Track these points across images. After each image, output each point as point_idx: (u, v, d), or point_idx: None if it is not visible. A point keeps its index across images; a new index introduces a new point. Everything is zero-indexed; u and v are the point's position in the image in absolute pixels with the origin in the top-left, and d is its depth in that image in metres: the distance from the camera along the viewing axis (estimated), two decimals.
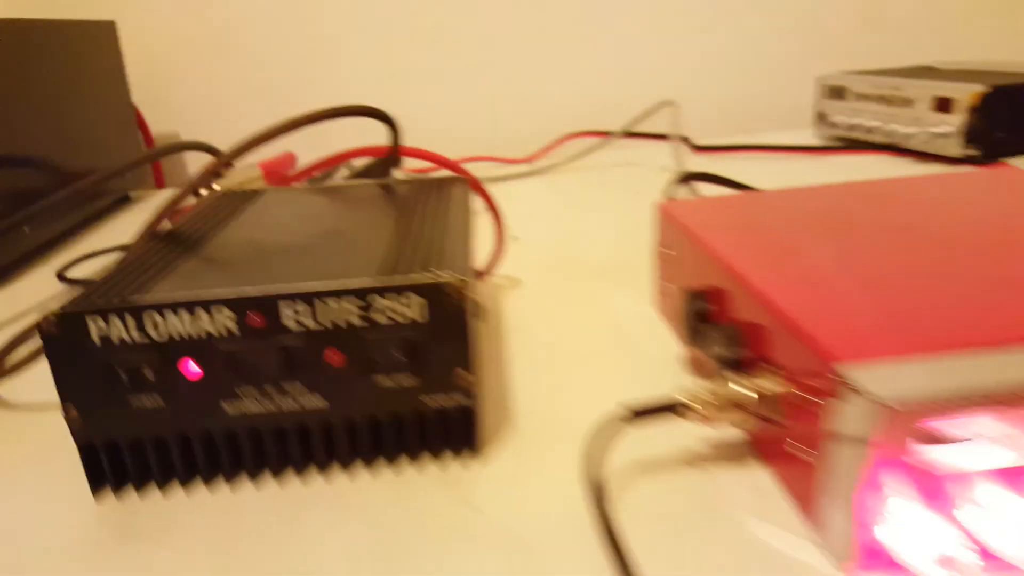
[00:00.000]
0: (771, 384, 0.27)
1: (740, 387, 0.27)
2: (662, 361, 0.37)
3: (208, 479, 0.29)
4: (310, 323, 0.27)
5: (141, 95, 0.90)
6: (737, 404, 0.27)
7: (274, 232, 0.35)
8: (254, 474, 0.30)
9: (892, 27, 0.98)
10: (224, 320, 0.27)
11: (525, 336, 0.42)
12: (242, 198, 0.43)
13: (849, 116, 0.80)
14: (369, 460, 0.30)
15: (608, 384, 0.35)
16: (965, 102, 0.68)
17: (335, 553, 0.25)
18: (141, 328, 0.26)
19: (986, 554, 0.22)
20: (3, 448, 0.34)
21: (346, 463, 0.30)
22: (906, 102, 0.74)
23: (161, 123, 0.93)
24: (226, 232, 0.35)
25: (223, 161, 0.37)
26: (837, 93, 0.82)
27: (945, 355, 0.22)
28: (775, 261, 0.31)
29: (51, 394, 0.38)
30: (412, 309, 0.27)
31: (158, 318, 0.26)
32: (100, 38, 0.78)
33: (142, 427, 0.28)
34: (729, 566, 0.24)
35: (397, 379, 0.28)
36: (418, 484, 0.29)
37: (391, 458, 0.30)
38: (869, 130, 0.77)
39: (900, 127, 0.74)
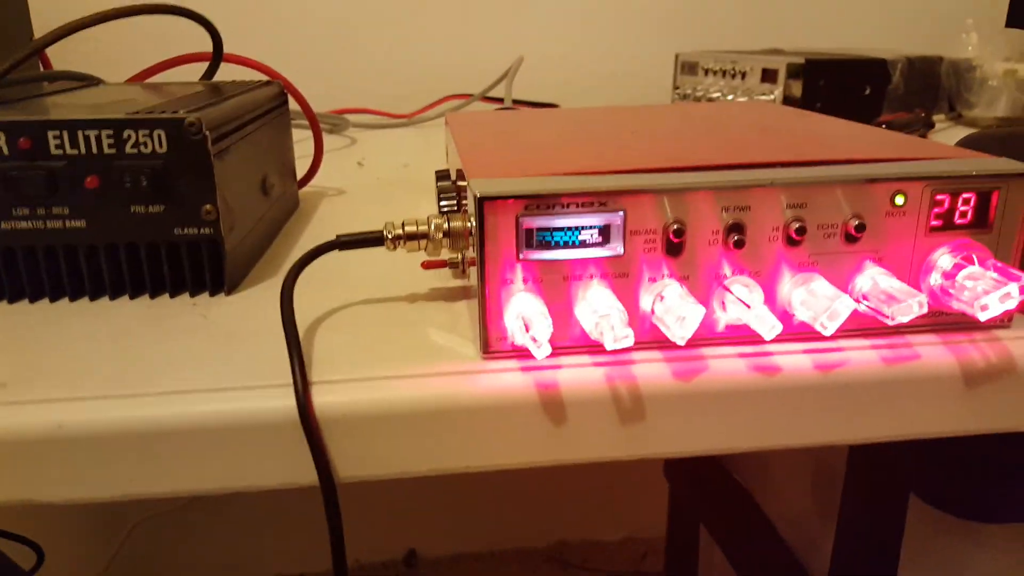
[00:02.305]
0: (458, 221, 0.33)
1: (431, 222, 0.33)
2: None
3: None
4: (70, 149, 0.32)
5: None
6: (426, 235, 0.33)
7: (80, 99, 0.40)
8: (33, 296, 0.35)
9: (759, 12, 1.07)
10: None
11: (326, 226, 0.47)
12: (78, 84, 0.48)
13: (698, 88, 0.87)
14: (133, 292, 0.35)
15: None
16: (783, 72, 0.76)
17: (64, 342, 0.31)
18: None
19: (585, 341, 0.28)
20: None
21: (112, 293, 0.35)
22: (742, 75, 0.82)
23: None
24: (39, 99, 0.40)
25: (35, 47, 0.41)
26: (691, 68, 0.90)
27: (543, 177, 0.28)
28: (490, 142, 0.37)
29: None
30: (156, 141, 0.32)
31: None
32: None
33: None
34: (399, 356, 0.30)
35: (149, 208, 0.33)
36: (167, 304, 0.35)
37: (152, 291, 0.35)
38: (714, 99, 0.85)
39: (736, 96, 0.82)
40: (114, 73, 0.58)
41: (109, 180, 0.33)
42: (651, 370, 0.28)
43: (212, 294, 0.35)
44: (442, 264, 0.36)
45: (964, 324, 0.30)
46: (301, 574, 1.22)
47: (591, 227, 0.28)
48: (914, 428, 0.29)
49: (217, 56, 0.49)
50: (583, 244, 0.28)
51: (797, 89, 0.76)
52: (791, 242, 0.28)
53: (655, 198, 0.27)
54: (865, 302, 0.29)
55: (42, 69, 0.88)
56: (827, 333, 0.28)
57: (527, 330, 0.26)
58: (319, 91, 0.93)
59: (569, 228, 0.27)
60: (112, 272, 0.35)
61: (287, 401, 0.26)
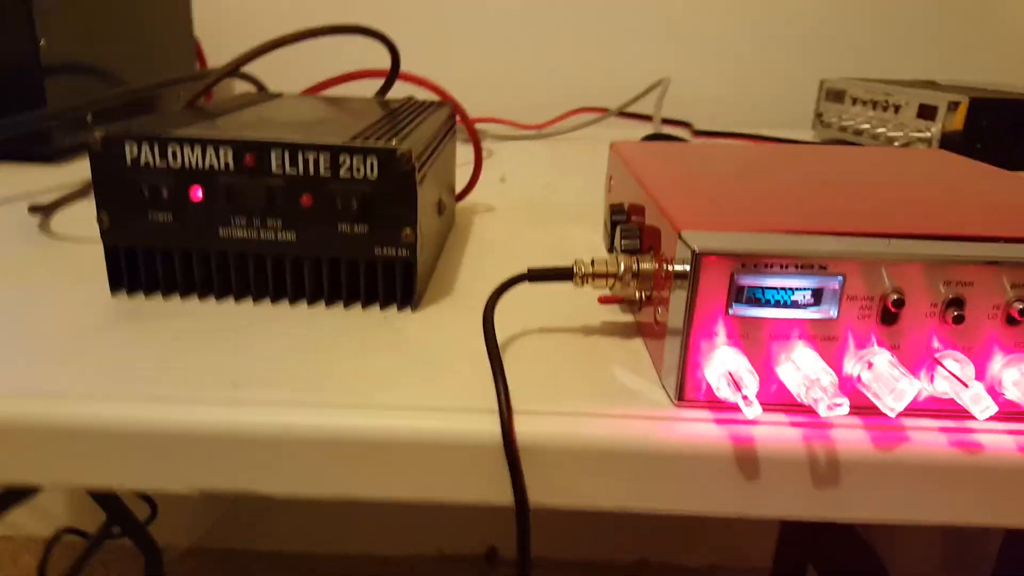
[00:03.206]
0: (648, 263, 0.33)
1: (620, 262, 0.33)
2: None
3: (203, 294, 0.37)
4: (290, 169, 0.34)
5: (202, 29, 0.99)
6: (615, 275, 0.33)
7: (279, 113, 0.42)
8: (239, 295, 0.37)
9: (907, 40, 1.03)
10: (225, 157, 0.34)
11: (484, 244, 0.49)
12: (265, 96, 0.50)
13: (844, 118, 0.85)
14: (329, 300, 0.37)
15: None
16: (945, 110, 0.73)
17: (280, 348, 0.33)
18: (164, 156, 0.34)
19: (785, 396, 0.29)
20: (44, 262, 0.42)
21: (310, 299, 0.37)
22: (895, 108, 0.79)
23: (218, 58, 1.02)
24: (241, 111, 0.43)
25: (235, 65, 0.44)
26: (837, 96, 0.87)
27: (758, 233, 0.29)
28: (676, 180, 0.38)
29: (91, 230, 0.46)
30: (369, 168, 0.34)
31: (176, 149, 0.34)
32: None
33: (155, 239, 0.36)
34: (587, 393, 0.30)
35: (354, 227, 0.35)
36: (360, 315, 0.36)
37: (347, 301, 0.37)
38: (859, 132, 0.83)
39: (887, 131, 0.79)
40: (279, 81, 0.61)
41: (322, 199, 0.35)
42: (850, 435, 0.28)
43: (400, 308, 0.37)
44: (619, 300, 0.36)
45: None
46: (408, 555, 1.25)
47: (805, 289, 0.28)
48: None
49: (394, 74, 0.51)
50: (795, 305, 0.28)
51: (958, 127, 0.73)
52: (1011, 321, 0.28)
53: (876, 265, 0.27)
54: None
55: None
56: None
57: (738, 388, 0.27)
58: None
59: (783, 288, 0.28)
60: (313, 283, 0.37)
61: (493, 427, 0.28)
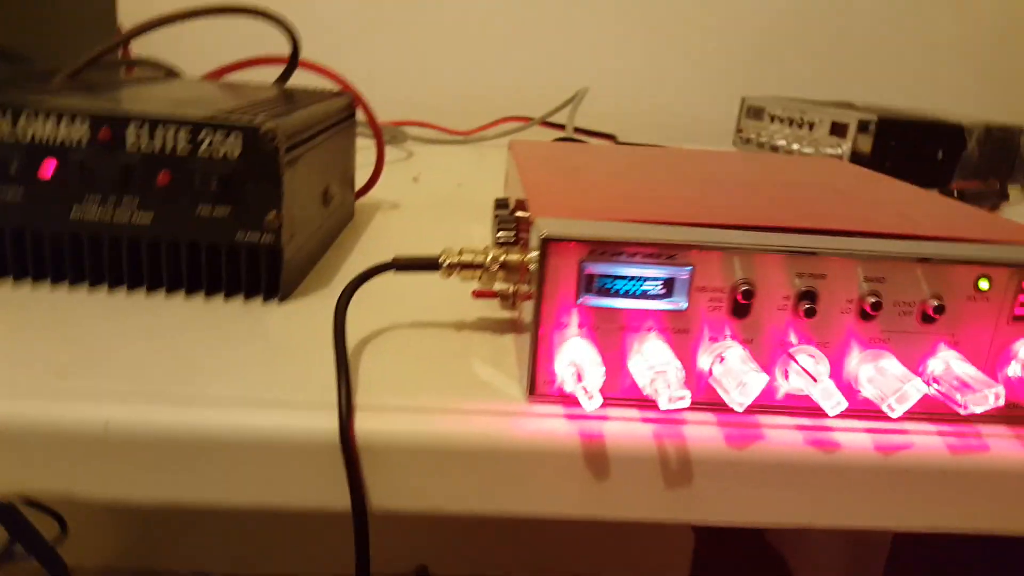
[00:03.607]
0: (515, 255, 0.32)
1: (488, 253, 0.32)
2: None
3: (55, 280, 0.35)
4: (147, 145, 0.32)
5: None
6: (482, 266, 0.32)
7: (160, 91, 0.40)
8: (93, 282, 0.35)
9: (832, 63, 1.05)
10: (80, 130, 0.32)
11: (379, 240, 0.47)
12: (160, 78, 0.48)
13: (762, 134, 0.86)
14: (190, 289, 0.35)
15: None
16: (855, 128, 0.74)
17: (119, 338, 0.31)
18: (14, 126, 0.32)
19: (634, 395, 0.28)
20: None
21: (169, 287, 0.35)
22: (810, 125, 0.80)
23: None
24: (122, 87, 0.41)
25: (121, 39, 0.42)
26: (756, 113, 0.89)
27: (610, 221, 0.28)
28: (555, 175, 0.37)
29: None
30: (231, 146, 0.33)
31: (28, 119, 0.32)
32: None
33: (3, 217, 0.33)
34: (442, 388, 0.29)
35: (214, 209, 0.33)
36: (221, 306, 0.35)
37: (208, 290, 0.35)
38: (775, 148, 0.84)
39: (801, 147, 0.80)
40: (193, 67, 0.59)
41: (180, 178, 0.33)
42: (702, 432, 0.27)
43: (266, 300, 0.35)
44: (493, 295, 0.35)
45: None
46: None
47: (656, 279, 0.27)
48: (976, 523, 0.28)
49: (294, 61, 0.50)
50: (645, 295, 0.27)
51: (866, 146, 0.75)
52: (864, 316, 0.27)
53: (727, 256, 0.26)
54: (936, 386, 0.28)
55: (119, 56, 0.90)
56: (894, 415, 0.27)
57: (579, 379, 0.25)
58: (379, 100, 0.94)
59: (633, 278, 0.27)
60: (172, 269, 0.35)
61: (330, 424, 0.26)
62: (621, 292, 0.27)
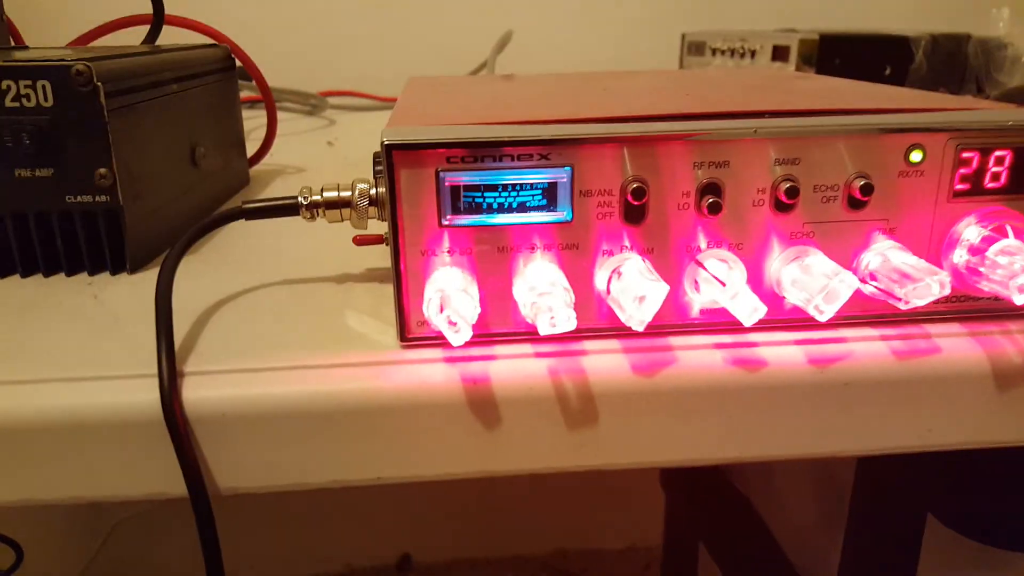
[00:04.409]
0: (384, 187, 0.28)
1: (355, 186, 0.28)
2: None
3: None
4: None
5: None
6: (349, 203, 0.28)
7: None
8: None
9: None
10: None
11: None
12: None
13: (705, 68, 0.82)
14: (25, 269, 0.30)
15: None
16: (795, 50, 0.70)
17: None
18: None
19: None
20: None
21: (1, 268, 0.30)
22: (751, 54, 0.76)
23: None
24: None
25: None
26: (698, 48, 0.84)
27: (468, 125, 0.23)
28: (433, 98, 0.32)
29: None
30: (41, 94, 0.28)
31: None
32: None
33: None
34: (301, 344, 0.24)
35: (36, 172, 0.29)
36: (61, 283, 0.30)
37: (47, 269, 0.30)
38: None
39: None
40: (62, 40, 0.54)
41: None
42: (604, 362, 0.23)
43: (114, 272, 0.31)
44: (378, 240, 0.31)
45: (996, 311, 0.25)
46: None
47: (531, 187, 0.22)
48: (931, 439, 0.24)
49: (158, 18, 0.45)
50: (521, 208, 0.23)
51: (811, 68, 0.71)
52: (781, 207, 0.23)
53: (609, 150, 0.22)
54: (873, 282, 0.23)
55: None
56: (823, 319, 0.22)
57: (441, 309, 0.21)
58: (299, 73, 0.89)
59: (504, 187, 0.22)
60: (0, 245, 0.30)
61: (149, 395, 0.21)
62: (494, 206, 0.23)
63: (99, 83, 0.28)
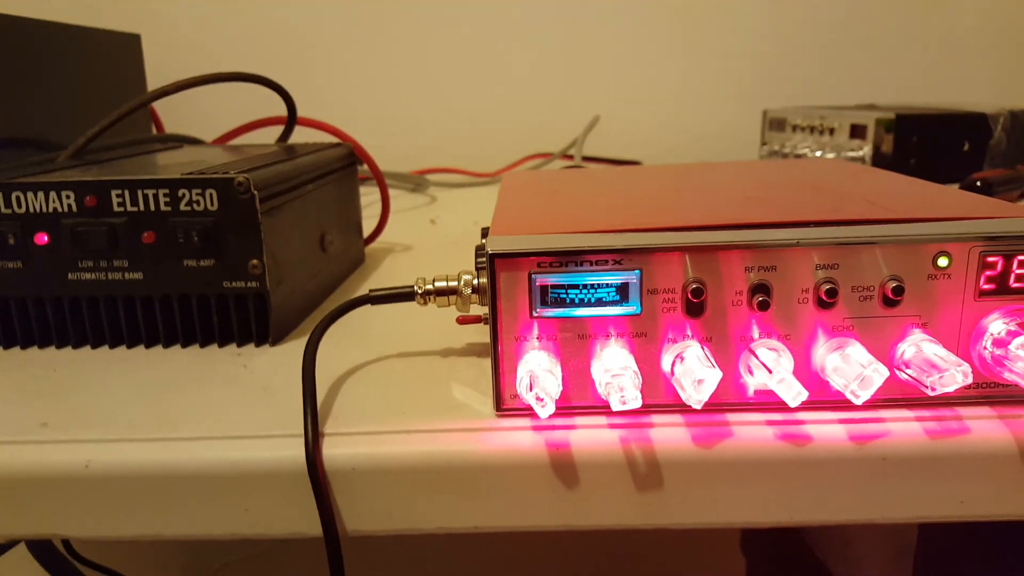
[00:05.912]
0: (485, 278, 0.33)
1: (460, 278, 0.33)
2: None
3: (60, 343, 0.37)
4: (131, 206, 0.34)
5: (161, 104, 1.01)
6: (456, 291, 0.33)
7: (160, 158, 0.43)
8: (94, 343, 0.37)
9: (852, 67, 1.03)
10: (68, 200, 0.34)
11: (386, 281, 0.48)
12: (170, 145, 0.51)
13: (786, 144, 0.85)
14: (185, 341, 0.37)
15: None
16: (872, 128, 0.73)
17: (108, 390, 0.33)
18: (7, 203, 0.35)
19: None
20: None
21: (165, 342, 0.37)
22: (830, 131, 0.79)
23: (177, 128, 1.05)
24: (125, 159, 0.44)
25: (112, 120, 0.45)
26: (779, 124, 0.88)
27: (557, 234, 0.28)
28: (529, 199, 0.37)
29: None
30: (208, 200, 0.34)
31: (19, 195, 0.34)
32: (125, 48, 0.90)
33: (6, 287, 0.36)
34: (416, 411, 0.30)
35: (200, 261, 0.35)
36: (214, 353, 0.36)
37: (202, 340, 0.37)
38: (800, 156, 0.82)
39: (825, 153, 0.79)
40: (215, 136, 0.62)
41: (164, 235, 0.35)
42: (669, 434, 0.27)
43: (258, 344, 0.37)
44: (477, 320, 0.36)
45: (1021, 397, 0.27)
46: None
47: (607, 286, 0.27)
48: (963, 510, 0.26)
49: (291, 120, 0.52)
50: (599, 303, 0.27)
51: (888, 145, 0.73)
52: (823, 304, 0.27)
53: (673, 257, 0.27)
54: (907, 370, 0.27)
55: (155, 131, 0.95)
56: (858, 402, 0.26)
57: (531, 387, 0.26)
58: (403, 153, 0.97)
59: (584, 286, 0.27)
60: (166, 321, 0.36)
61: (296, 452, 0.27)
62: (576, 302, 0.27)
63: (255, 191, 0.35)
